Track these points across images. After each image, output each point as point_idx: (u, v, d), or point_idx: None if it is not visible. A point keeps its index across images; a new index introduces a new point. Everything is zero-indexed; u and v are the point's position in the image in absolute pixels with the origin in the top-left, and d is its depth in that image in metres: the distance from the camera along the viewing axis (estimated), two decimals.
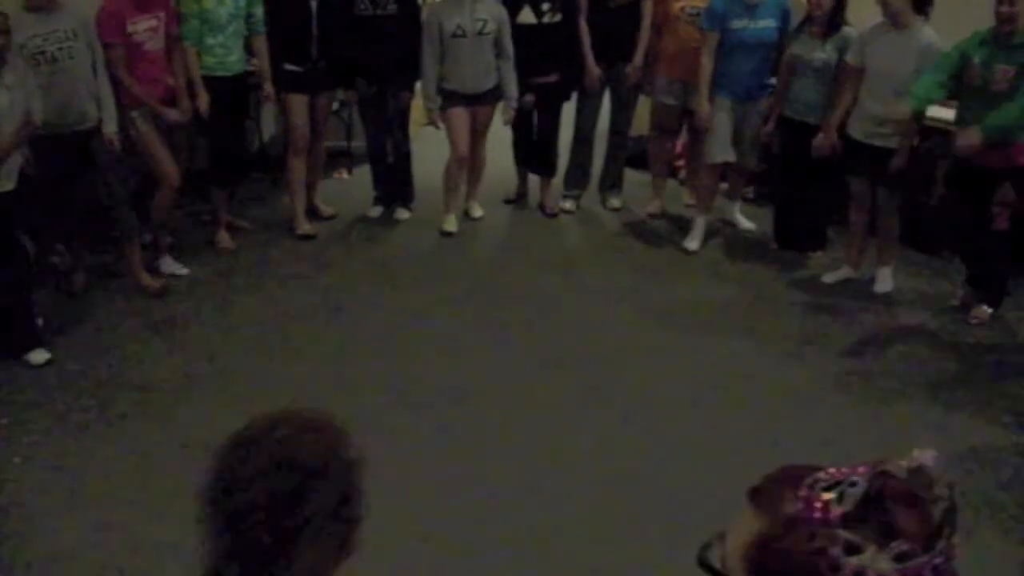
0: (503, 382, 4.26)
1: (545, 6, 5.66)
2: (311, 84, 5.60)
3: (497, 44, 5.56)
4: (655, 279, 5.39)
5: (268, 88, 5.54)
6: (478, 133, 5.87)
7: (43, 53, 4.43)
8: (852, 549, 0.93)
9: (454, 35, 5.45)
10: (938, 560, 0.93)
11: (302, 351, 4.57)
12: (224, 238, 5.65)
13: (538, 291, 5.20)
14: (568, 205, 6.35)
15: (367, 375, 4.31)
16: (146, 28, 4.84)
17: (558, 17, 5.69)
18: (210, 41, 5.17)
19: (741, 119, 5.48)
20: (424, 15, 5.69)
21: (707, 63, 5.37)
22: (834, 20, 5.03)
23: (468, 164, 5.85)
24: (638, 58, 5.86)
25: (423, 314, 4.92)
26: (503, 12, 5.56)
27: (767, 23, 5.27)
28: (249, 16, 5.37)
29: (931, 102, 4.67)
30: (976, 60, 4.43)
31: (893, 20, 4.75)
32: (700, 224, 5.76)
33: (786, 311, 5.03)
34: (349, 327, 4.82)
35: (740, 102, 5.43)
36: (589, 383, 4.28)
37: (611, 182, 6.42)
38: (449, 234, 5.87)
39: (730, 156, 5.55)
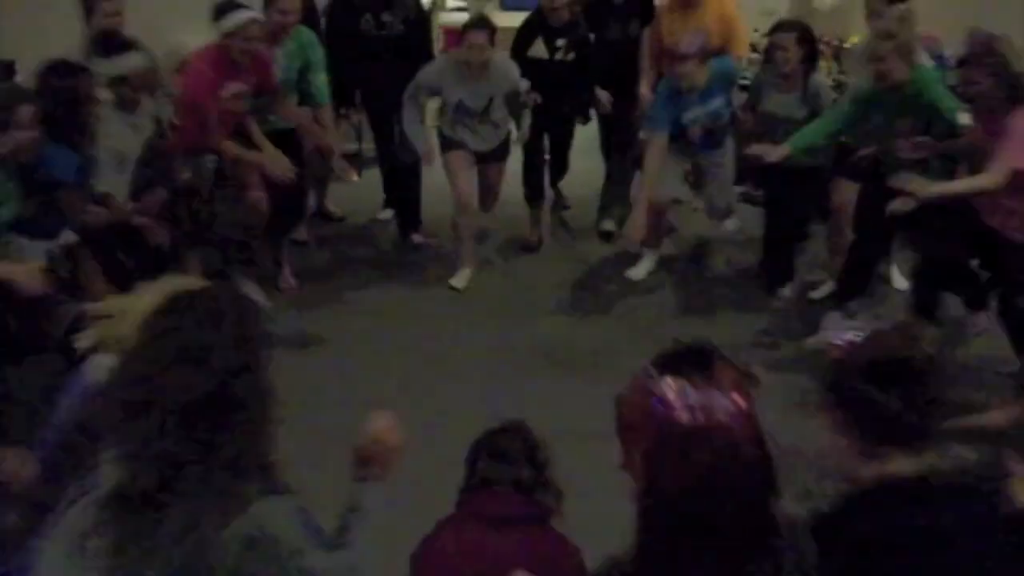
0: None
1: (559, 42, 5.41)
2: None
3: (510, 100, 5.22)
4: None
5: (339, 165, 5.20)
6: (487, 190, 5.50)
7: None
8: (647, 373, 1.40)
9: (457, 108, 5.11)
10: (727, 406, 1.31)
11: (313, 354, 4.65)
12: (288, 279, 5.36)
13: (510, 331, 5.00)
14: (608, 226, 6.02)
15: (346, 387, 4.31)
16: (232, 95, 4.54)
17: (571, 56, 5.44)
18: None
19: (701, 169, 5.23)
20: (424, 71, 5.20)
21: (652, 167, 4.88)
22: (806, 72, 4.74)
23: (473, 212, 5.38)
24: (644, 89, 5.53)
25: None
26: (512, 75, 5.16)
27: (718, 102, 4.93)
28: (301, 82, 4.97)
29: (808, 151, 4.50)
30: (873, 120, 4.28)
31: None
32: (650, 257, 5.46)
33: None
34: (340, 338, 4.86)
35: (694, 155, 5.17)
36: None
37: (608, 205, 6.12)
38: (455, 289, 5.35)
39: (677, 194, 5.29)
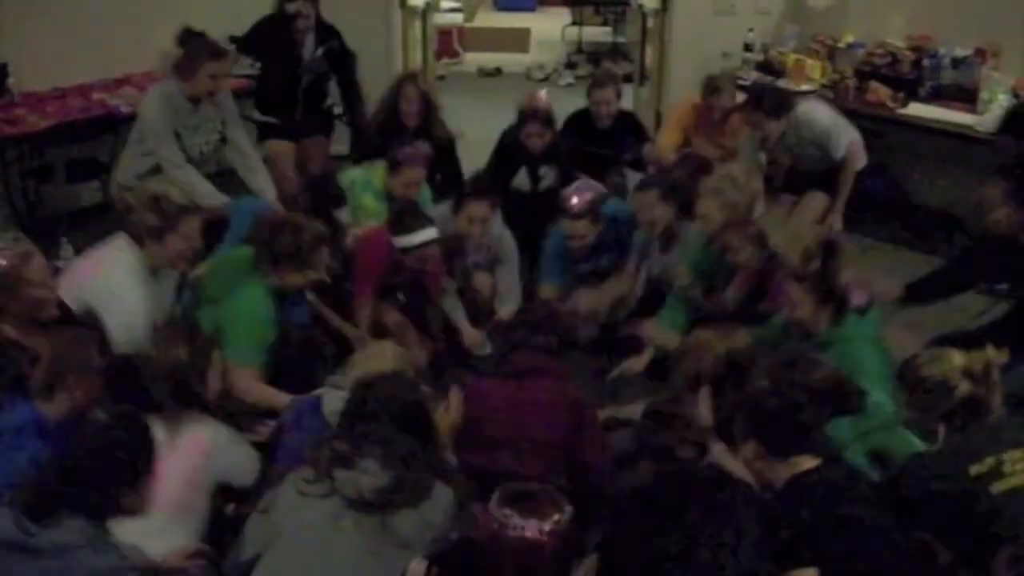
0: None
1: (543, 171, 4.90)
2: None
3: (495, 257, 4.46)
4: None
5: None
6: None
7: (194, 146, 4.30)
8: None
9: None
10: (534, 529, 2.48)
11: None
12: None
13: None
14: None
15: None
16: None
17: (556, 183, 4.84)
18: None
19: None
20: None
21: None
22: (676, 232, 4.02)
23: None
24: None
25: None
26: (498, 243, 4.41)
27: (609, 256, 4.36)
28: None
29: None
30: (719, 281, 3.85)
31: None
32: None
33: None
34: None
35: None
36: None
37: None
38: None
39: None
